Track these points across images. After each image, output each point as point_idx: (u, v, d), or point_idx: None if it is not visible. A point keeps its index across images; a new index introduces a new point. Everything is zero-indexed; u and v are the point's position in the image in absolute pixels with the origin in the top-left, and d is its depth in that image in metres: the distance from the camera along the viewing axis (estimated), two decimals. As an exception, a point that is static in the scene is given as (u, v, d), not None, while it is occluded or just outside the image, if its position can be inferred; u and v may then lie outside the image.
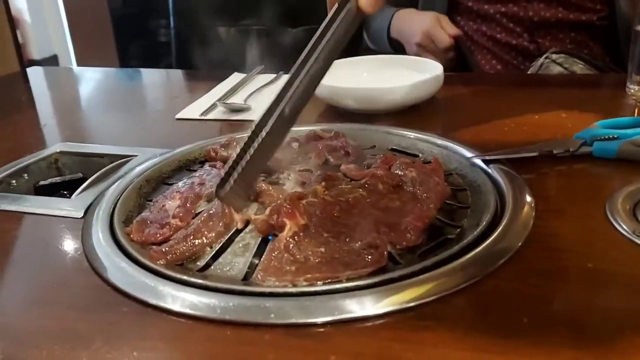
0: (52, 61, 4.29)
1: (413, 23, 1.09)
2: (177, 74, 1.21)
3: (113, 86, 1.13)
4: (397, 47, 1.15)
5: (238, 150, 0.48)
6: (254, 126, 0.50)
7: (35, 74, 1.20)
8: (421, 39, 1.05)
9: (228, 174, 0.48)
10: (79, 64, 3.28)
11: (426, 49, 1.06)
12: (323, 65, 0.50)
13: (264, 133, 0.49)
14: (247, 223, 0.49)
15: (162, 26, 3.19)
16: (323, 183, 0.51)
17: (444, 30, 1.05)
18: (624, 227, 0.46)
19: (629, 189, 0.52)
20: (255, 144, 0.48)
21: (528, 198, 0.52)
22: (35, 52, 3.25)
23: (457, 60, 1.11)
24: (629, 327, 0.36)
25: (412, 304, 0.39)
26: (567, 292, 0.40)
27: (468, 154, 0.61)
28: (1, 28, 1.16)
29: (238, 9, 1.46)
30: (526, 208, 0.50)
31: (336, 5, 0.50)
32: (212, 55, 1.43)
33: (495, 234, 0.46)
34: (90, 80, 1.20)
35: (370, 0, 0.50)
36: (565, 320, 0.37)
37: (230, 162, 0.48)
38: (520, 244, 0.45)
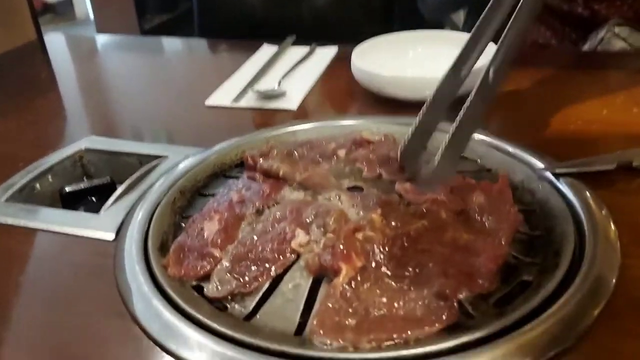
0: (66, 6, 4.19)
1: None
2: (203, 45, 1.13)
3: (137, 61, 1.07)
4: None
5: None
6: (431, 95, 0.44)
7: (53, 43, 1.14)
8: None
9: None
10: (94, 8, 3.18)
11: None
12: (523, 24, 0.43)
13: (468, 101, 0.42)
14: (297, 255, 0.44)
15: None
16: (379, 210, 0.46)
17: None
18: None
19: None
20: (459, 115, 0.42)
21: (612, 227, 0.46)
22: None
23: None
24: None
25: (493, 376, 0.34)
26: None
27: (534, 162, 0.55)
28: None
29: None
30: (611, 242, 0.44)
31: None
32: (238, 20, 1.36)
33: (579, 279, 0.40)
34: (113, 51, 1.13)
35: None
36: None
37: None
38: (611, 292, 0.40)
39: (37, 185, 0.62)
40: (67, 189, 0.60)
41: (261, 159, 0.56)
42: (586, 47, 0.94)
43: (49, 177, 0.63)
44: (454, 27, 1.45)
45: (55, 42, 1.15)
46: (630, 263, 0.42)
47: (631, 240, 0.45)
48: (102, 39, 1.23)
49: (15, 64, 1.02)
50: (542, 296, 0.39)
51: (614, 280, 0.41)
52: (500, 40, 0.44)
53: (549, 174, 0.53)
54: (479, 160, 0.58)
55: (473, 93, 0.43)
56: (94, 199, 0.61)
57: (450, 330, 0.38)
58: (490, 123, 0.64)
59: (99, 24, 3.07)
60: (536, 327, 0.37)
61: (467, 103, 0.43)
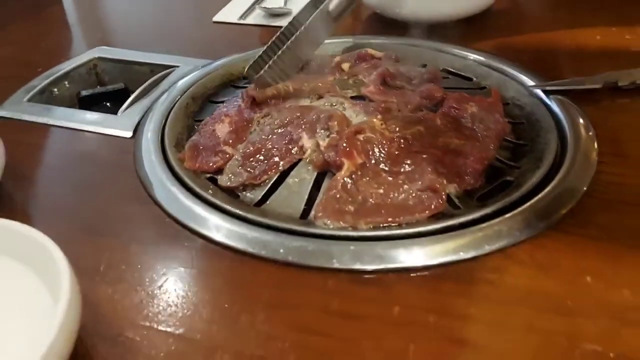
0: None
1: None
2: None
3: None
4: None
5: (274, 38, 0.53)
6: (292, 18, 0.54)
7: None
8: None
9: (262, 59, 0.53)
10: None
11: None
12: None
13: (303, 27, 0.52)
14: (303, 154, 0.49)
15: None
16: (379, 116, 0.50)
17: None
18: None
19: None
20: (294, 36, 0.52)
21: (591, 139, 0.50)
22: None
23: None
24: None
25: (472, 254, 0.39)
26: (631, 251, 0.40)
27: (526, 80, 0.58)
28: None
29: None
30: (589, 150, 0.49)
31: None
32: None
33: (556, 180, 0.45)
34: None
35: None
36: (630, 281, 0.37)
37: (264, 48, 0.53)
38: (582, 192, 0.44)
39: (55, 90, 0.65)
40: (84, 92, 0.64)
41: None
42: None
43: (66, 82, 0.66)
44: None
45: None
46: (605, 170, 0.47)
47: (609, 151, 0.49)
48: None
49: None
50: (520, 193, 0.44)
51: (586, 184, 0.45)
52: None
53: (538, 91, 0.57)
54: (474, 79, 0.62)
55: (310, 20, 0.53)
56: (108, 104, 0.65)
57: (438, 217, 0.42)
58: (488, 43, 0.67)
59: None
60: (512, 217, 0.41)
61: (300, 29, 0.53)
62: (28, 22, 0.81)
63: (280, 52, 0.53)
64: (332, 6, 0.52)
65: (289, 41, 0.53)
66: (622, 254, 0.39)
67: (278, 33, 0.53)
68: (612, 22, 0.72)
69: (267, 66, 0.53)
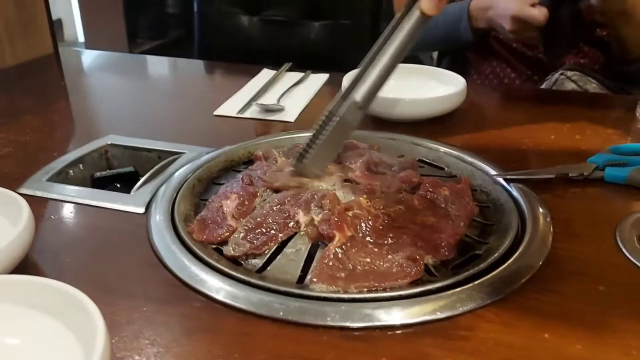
0: (55, 26, 4.27)
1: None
2: (207, 66, 1.25)
3: (147, 76, 1.18)
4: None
5: (314, 131, 0.60)
6: (327, 112, 0.60)
7: (64, 56, 1.25)
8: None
9: (305, 151, 0.60)
10: (85, 31, 3.26)
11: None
12: (391, 62, 0.59)
13: (337, 117, 0.59)
14: (299, 228, 0.55)
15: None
16: (365, 196, 0.57)
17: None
18: (632, 255, 0.52)
19: (636, 216, 0.59)
20: (330, 126, 0.59)
21: (547, 220, 0.58)
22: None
23: None
24: (635, 347, 0.42)
25: (448, 314, 0.45)
26: (582, 312, 0.46)
27: (491, 171, 0.67)
28: (35, 5, 1.19)
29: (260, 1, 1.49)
30: (545, 229, 0.56)
31: (401, 12, 0.59)
32: (237, 44, 1.48)
33: (518, 253, 0.52)
34: (120, 65, 1.24)
35: (433, 3, 0.55)
36: (581, 337, 0.43)
37: (307, 142, 0.60)
38: (540, 263, 0.52)
39: (71, 172, 0.72)
40: (98, 174, 0.71)
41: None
42: (543, 86, 1.08)
43: (80, 165, 0.73)
44: (429, 61, 1.63)
45: (68, 55, 1.26)
46: (558, 246, 0.54)
47: (562, 230, 0.57)
48: (110, 55, 1.34)
49: (36, 71, 1.12)
50: (487, 263, 0.51)
51: (543, 258, 0.52)
52: (368, 69, 0.60)
53: (501, 180, 0.65)
54: (446, 168, 0.71)
55: (342, 111, 0.59)
56: (119, 185, 0.71)
57: (417, 283, 0.49)
58: (458, 140, 0.77)
59: (88, 46, 3.12)
60: (480, 283, 0.48)
61: (334, 121, 0.59)
62: (39, 114, 0.89)
63: (319, 142, 0.59)
64: (358, 97, 0.59)
65: (325, 132, 0.59)
66: (574, 314, 0.46)
67: (316, 125, 0.59)
68: (563, 123, 0.84)
69: (309, 157, 0.60)
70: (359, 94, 0.59)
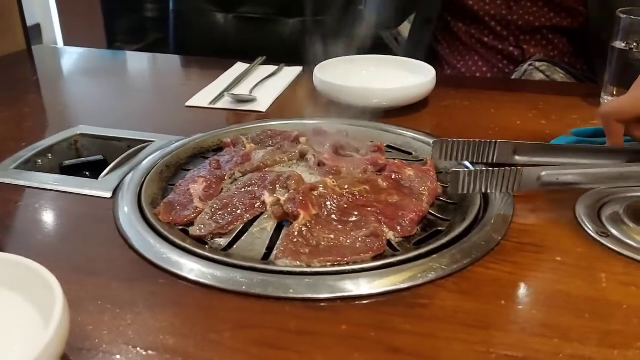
0: (34, 30, 4.22)
1: None
2: (182, 60, 1.25)
3: (120, 71, 1.18)
4: None
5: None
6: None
7: (40, 53, 1.24)
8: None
9: None
10: (64, 35, 3.24)
11: None
12: None
13: None
14: (264, 209, 0.56)
15: (149, 1, 3.20)
16: (330, 176, 0.58)
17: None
18: (589, 226, 0.54)
19: (595, 193, 0.60)
20: None
21: (509, 197, 0.59)
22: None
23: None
24: (587, 311, 0.44)
25: (408, 285, 0.46)
26: (538, 280, 0.48)
27: (456, 154, 0.69)
28: (9, 4, 1.19)
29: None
30: (506, 206, 0.58)
31: None
32: (213, 42, 1.49)
33: (478, 227, 0.54)
34: (96, 62, 1.24)
35: None
36: (536, 303, 0.45)
37: None
38: (500, 238, 0.53)
39: (39, 161, 0.71)
40: (66, 162, 0.71)
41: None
42: (513, 77, 1.10)
43: (49, 155, 0.73)
44: (391, 42, 1.65)
45: (41, 52, 1.26)
46: (519, 221, 0.56)
47: (523, 207, 0.58)
48: (85, 51, 1.33)
49: (7, 67, 1.11)
50: (449, 238, 0.52)
51: (504, 232, 0.54)
52: None
53: (466, 162, 0.67)
54: (414, 153, 0.72)
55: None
56: (87, 173, 0.71)
57: (380, 257, 0.50)
58: (427, 126, 0.78)
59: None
60: (441, 256, 0.49)
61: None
62: (9, 107, 0.89)
63: None
64: None
65: None
66: (531, 283, 0.47)
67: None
68: (529, 110, 0.85)
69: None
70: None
